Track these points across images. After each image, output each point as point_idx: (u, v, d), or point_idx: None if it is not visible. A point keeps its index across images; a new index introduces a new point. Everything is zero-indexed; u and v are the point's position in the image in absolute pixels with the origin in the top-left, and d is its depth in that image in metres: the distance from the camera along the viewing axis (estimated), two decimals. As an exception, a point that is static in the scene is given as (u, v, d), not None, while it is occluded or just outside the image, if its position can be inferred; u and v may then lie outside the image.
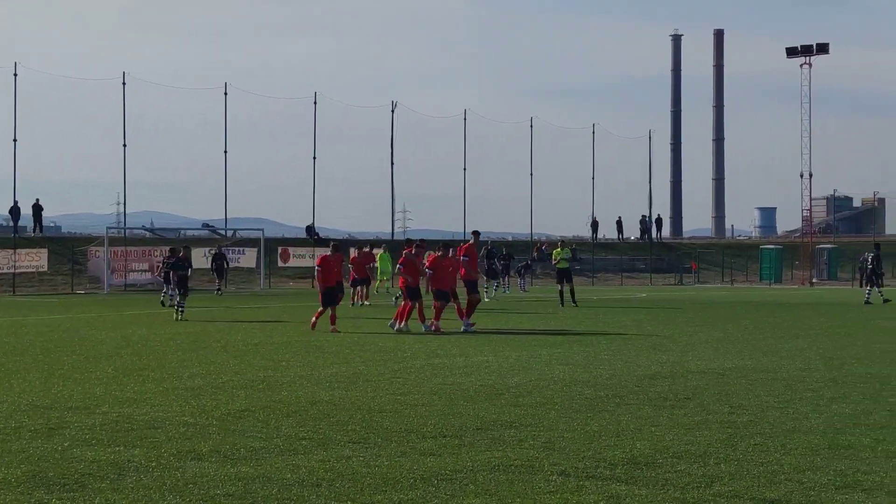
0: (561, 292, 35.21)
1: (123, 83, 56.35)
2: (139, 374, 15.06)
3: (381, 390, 13.26)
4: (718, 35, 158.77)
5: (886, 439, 9.76)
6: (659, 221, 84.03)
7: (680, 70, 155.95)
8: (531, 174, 73.12)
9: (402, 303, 24.30)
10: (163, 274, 39.14)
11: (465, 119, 70.18)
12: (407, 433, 10.09)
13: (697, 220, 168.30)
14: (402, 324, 23.48)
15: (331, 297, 23.73)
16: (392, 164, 67.16)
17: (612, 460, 8.81)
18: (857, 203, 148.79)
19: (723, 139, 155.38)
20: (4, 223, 79.34)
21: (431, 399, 12.43)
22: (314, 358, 17.55)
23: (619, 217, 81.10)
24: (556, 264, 36.34)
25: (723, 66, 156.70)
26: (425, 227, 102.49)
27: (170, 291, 36.90)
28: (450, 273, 24.53)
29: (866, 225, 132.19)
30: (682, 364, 16.33)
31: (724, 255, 77.94)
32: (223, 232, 63.15)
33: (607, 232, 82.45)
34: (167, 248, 42.26)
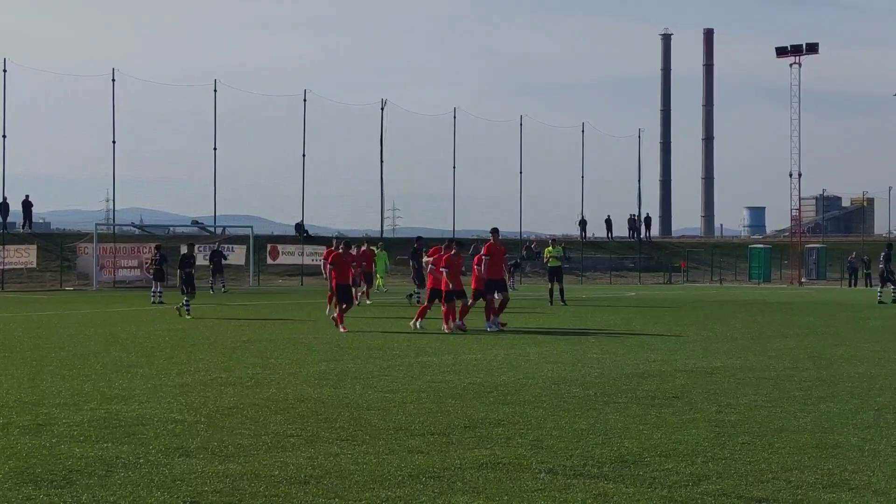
0: (551, 291, 35.23)
1: (113, 80, 56.35)
2: (127, 371, 15.04)
3: (370, 388, 13.25)
4: (708, 34, 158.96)
5: (874, 438, 9.79)
6: (648, 220, 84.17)
7: (670, 69, 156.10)
8: (520, 172, 73.32)
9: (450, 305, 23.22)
10: (152, 271, 39.20)
11: (454, 117, 70.32)
12: (395, 431, 10.09)
13: (687, 220, 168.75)
14: (457, 322, 22.96)
15: (347, 294, 23.57)
16: (381, 161, 67.24)
17: (600, 458, 8.82)
18: (846, 203, 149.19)
19: (712, 138, 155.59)
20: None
21: (420, 397, 12.43)
22: (303, 355, 17.54)
23: (609, 216, 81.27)
24: (547, 262, 36.36)
25: (712, 65, 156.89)
26: (414, 226, 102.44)
27: (159, 289, 37.03)
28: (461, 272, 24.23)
29: (855, 225, 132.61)
30: (671, 363, 16.35)
31: (713, 254, 78.08)
32: (212, 229, 63.10)
33: (596, 231, 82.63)
34: (153, 246, 42.30)
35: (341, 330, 22.29)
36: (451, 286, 23.09)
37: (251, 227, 59.02)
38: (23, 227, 59.84)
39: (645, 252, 79.28)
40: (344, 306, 23.27)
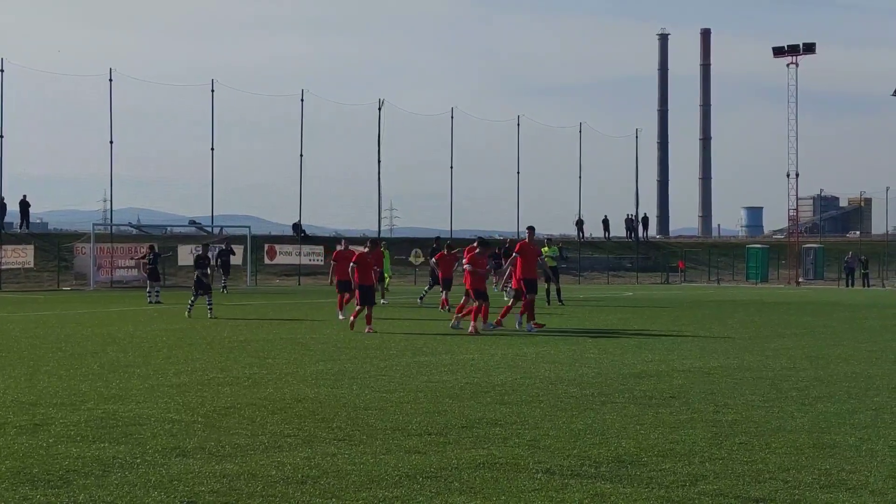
0: (547, 290, 35.23)
1: (110, 79, 56.32)
2: (124, 371, 15.03)
3: (367, 388, 13.25)
4: (705, 34, 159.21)
5: (871, 438, 9.79)
6: (645, 220, 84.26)
7: (667, 69, 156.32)
8: (518, 172, 73.29)
9: (475, 304, 23.17)
10: (147, 271, 39.24)
11: (452, 117, 70.32)
12: (392, 431, 10.09)
13: (684, 220, 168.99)
14: (487, 323, 22.98)
15: (369, 295, 23.21)
16: (379, 161, 67.14)
17: (597, 458, 8.82)
18: (843, 203, 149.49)
19: (710, 138, 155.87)
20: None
21: (417, 397, 12.43)
22: (300, 355, 17.53)
23: (606, 216, 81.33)
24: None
25: (710, 65, 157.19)
26: (412, 225, 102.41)
27: (156, 288, 37.11)
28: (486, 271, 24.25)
29: (853, 225, 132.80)
30: (668, 363, 16.36)
31: (710, 254, 78.19)
32: (210, 229, 63.06)
33: (594, 230, 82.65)
34: (146, 246, 42.41)
35: (366, 331, 21.97)
36: (470, 286, 23.35)
37: (248, 227, 59.01)
38: (20, 227, 59.78)
39: (642, 252, 79.35)
40: (366, 308, 22.84)
